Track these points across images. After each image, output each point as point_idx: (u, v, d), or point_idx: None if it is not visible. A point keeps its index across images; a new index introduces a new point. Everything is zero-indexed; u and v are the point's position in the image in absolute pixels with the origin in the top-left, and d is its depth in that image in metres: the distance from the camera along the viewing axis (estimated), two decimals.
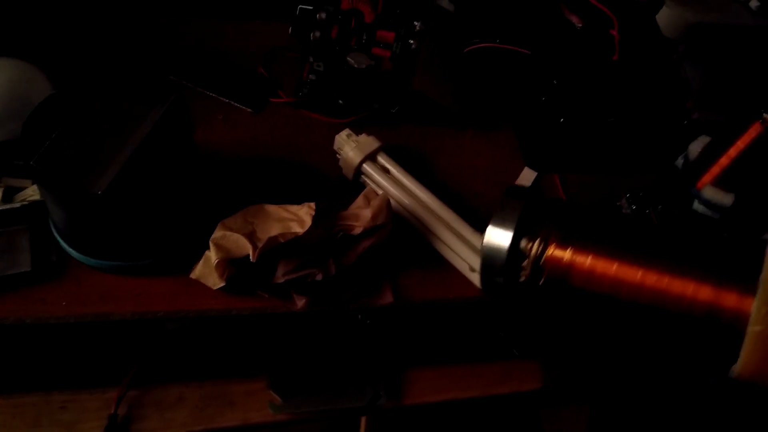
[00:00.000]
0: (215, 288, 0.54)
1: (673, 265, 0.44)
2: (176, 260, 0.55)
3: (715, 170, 0.61)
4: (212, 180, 0.62)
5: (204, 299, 0.55)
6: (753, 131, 0.57)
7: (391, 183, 0.64)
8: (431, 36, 0.74)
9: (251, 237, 0.52)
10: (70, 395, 0.62)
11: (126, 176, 0.48)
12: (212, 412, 0.64)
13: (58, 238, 0.55)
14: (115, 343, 0.65)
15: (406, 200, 0.63)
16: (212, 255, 0.52)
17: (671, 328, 0.50)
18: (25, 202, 0.55)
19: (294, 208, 0.56)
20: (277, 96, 0.73)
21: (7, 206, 0.55)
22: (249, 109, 0.71)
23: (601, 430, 0.95)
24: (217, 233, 0.53)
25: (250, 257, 0.51)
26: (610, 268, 0.45)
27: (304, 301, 0.56)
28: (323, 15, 0.72)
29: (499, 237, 0.47)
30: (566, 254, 0.46)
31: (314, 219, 0.54)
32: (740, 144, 0.58)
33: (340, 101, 0.71)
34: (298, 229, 0.53)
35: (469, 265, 0.60)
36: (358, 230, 0.56)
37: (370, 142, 0.65)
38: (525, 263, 0.47)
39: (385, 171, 0.65)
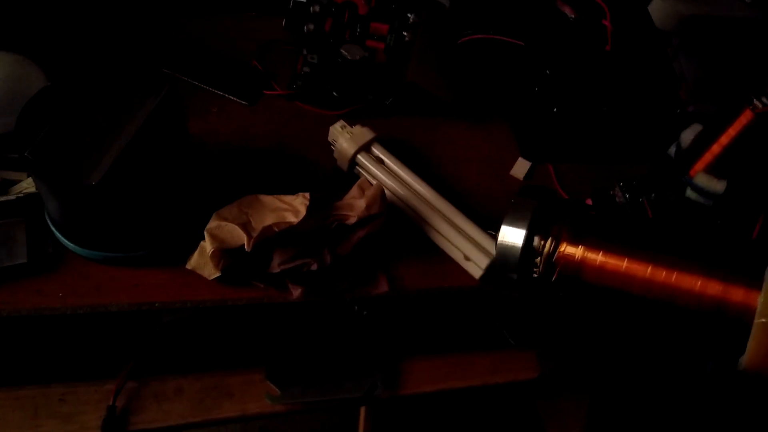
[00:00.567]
0: (211, 278, 0.55)
1: (682, 261, 0.46)
2: (172, 251, 0.56)
3: (707, 158, 0.61)
4: (207, 171, 0.62)
5: (200, 290, 0.56)
6: (744, 118, 0.57)
7: (386, 173, 0.64)
8: (425, 28, 0.74)
9: (246, 227, 0.52)
10: (68, 388, 0.63)
11: (120, 167, 0.48)
12: (210, 404, 0.65)
13: (54, 230, 0.55)
14: (112, 335, 0.65)
15: (400, 190, 0.63)
16: (207, 245, 0.53)
17: (680, 321, 0.52)
18: (20, 195, 0.56)
19: (289, 198, 0.56)
20: (272, 88, 0.73)
21: (3, 198, 0.55)
22: (243, 102, 0.71)
23: (600, 420, 0.95)
24: (212, 223, 0.53)
25: (245, 247, 0.52)
26: (621, 264, 0.47)
27: (299, 290, 0.56)
28: (317, 8, 0.72)
29: (512, 235, 0.48)
30: (578, 251, 0.48)
31: (309, 209, 0.54)
32: (731, 131, 0.58)
33: (335, 93, 0.71)
34: (293, 219, 0.53)
35: (463, 254, 0.61)
36: (352, 220, 0.57)
37: (364, 133, 0.66)
38: (538, 260, 0.49)
39: (380, 162, 0.66)
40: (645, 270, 0.46)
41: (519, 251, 0.48)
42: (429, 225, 0.62)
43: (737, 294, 0.43)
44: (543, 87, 0.70)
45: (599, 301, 0.53)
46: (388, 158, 0.66)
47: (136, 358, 0.64)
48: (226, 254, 0.54)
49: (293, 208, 0.54)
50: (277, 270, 0.54)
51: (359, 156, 0.65)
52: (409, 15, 0.73)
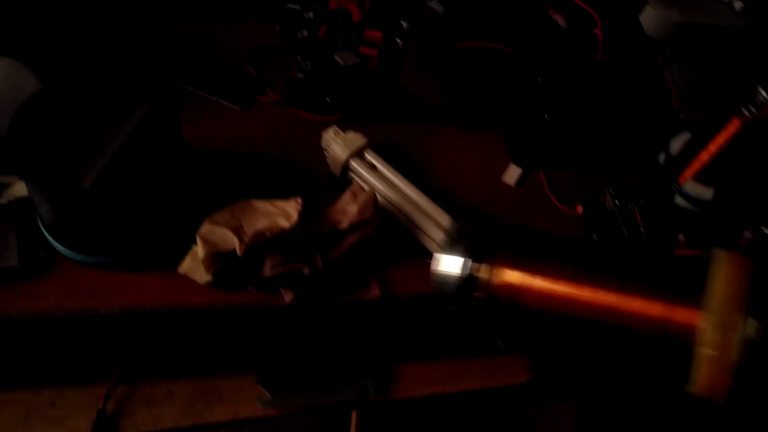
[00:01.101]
0: (203, 283, 0.55)
1: (624, 282, 0.44)
2: (164, 256, 0.56)
3: (695, 165, 0.62)
4: (200, 176, 0.62)
5: (191, 294, 0.56)
6: (732, 127, 0.58)
7: (378, 179, 0.65)
8: (419, 35, 0.75)
9: (238, 231, 0.53)
10: (58, 391, 0.62)
11: (112, 171, 0.48)
12: (201, 408, 0.65)
13: (46, 234, 0.55)
14: (103, 339, 0.65)
15: (392, 196, 0.64)
16: (199, 249, 0.53)
17: (624, 345, 0.50)
18: (12, 199, 0.56)
19: (281, 203, 0.56)
20: (265, 94, 0.73)
21: None
22: (237, 107, 0.72)
23: (590, 425, 0.95)
24: (204, 228, 0.53)
25: (237, 251, 0.52)
26: (560, 288, 0.44)
27: (291, 295, 0.56)
28: (311, 14, 0.72)
29: (448, 265, 0.46)
30: (515, 277, 0.45)
31: (301, 214, 0.54)
32: (719, 139, 0.59)
33: (328, 99, 0.72)
34: (285, 224, 0.53)
35: None
36: (344, 225, 0.57)
37: (357, 139, 0.66)
38: (477, 290, 0.46)
39: (372, 167, 0.66)
40: (586, 292, 0.44)
41: (456, 280, 0.45)
42: (421, 230, 0.63)
43: (681, 315, 0.41)
44: (535, 95, 0.71)
45: (541, 329, 0.51)
46: (380, 164, 0.66)
47: (127, 361, 0.64)
48: (218, 259, 0.54)
49: (285, 212, 0.55)
50: (269, 274, 0.54)
51: (352, 161, 0.65)
52: (402, 22, 0.74)
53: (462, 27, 0.79)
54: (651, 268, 0.48)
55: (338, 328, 0.71)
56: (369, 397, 0.68)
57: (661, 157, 0.67)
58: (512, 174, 0.73)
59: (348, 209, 0.58)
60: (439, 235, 0.62)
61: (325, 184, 0.67)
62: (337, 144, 0.66)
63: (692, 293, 0.42)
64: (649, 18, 0.80)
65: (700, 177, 0.62)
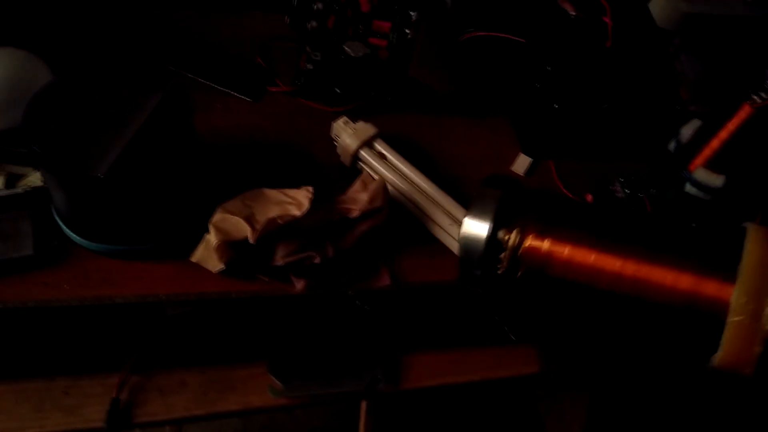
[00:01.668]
0: (215, 271, 0.55)
1: (654, 254, 0.43)
2: (177, 244, 0.56)
3: (706, 153, 0.62)
4: (212, 166, 0.63)
5: (204, 282, 0.56)
6: (742, 113, 0.58)
7: (388, 168, 0.65)
8: (427, 25, 0.75)
9: (250, 219, 0.53)
10: (72, 380, 0.63)
11: (127, 160, 0.48)
12: (213, 397, 0.65)
13: (60, 223, 0.55)
14: (117, 328, 0.66)
15: (402, 185, 0.64)
16: (212, 238, 0.53)
17: (651, 318, 0.50)
18: (27, 188, 0.56)
19: (292, 191, 0.56)
20: (275, 85, 0.73)
21: (10, 192, 0.56)
22: (247, 98, 0.72)
23: (600, 417, 0.96)
24: (217, 216, 0.54)
25: (249, 239, 0.52)
26: (589, 257, 0.44)
27: (302, 283, 0.56)
28: (320, 5, 0.72)
29: (476, 228, 0.46)
30: (544, 244, 0.45)
31: (312, 202, 0.55)
32: (730, 126, 0.59)
33: (337, 90, 0.72)
34: (296, 212, 0.54)
35: None
36: (355, 213, 0.57)
37: (367, 129, 0.66)
38: (503, 255, 0.46)
39: (382, 157, 0.66)
40: (614, 263, 0.43)
41: (483, 245, 0.45)
42: (430, 219, 0.63)
43: (710, 289, 0.41)
44: (544, 83, 0.70)
45: (566, 298, 0.50)
46: (390, 153, 0.66)
47: (141, 351, 0.65)
48: (230, 247, 0.54)
49: (297, 201, 0.55)
50: (280, 263, 0.55)
51: (362, 151, 0.66)
52: (411, 12, 0.74)
53: (471, 16, 0.79)
54: (680, 240, 0.48)
55: (348, 318, 0.71)
56: (379, 387, 0.68)
57: (672, 145, 0.67)
58: (521, 163, 0.73)
59: (359, 198, 0.58)
60: (448, 224, 0.62)
61: (336, 174, 0.67)
62: (347, 134, 0.66)
63: (722, 265, 0.42)
64: (658, 8, 0.80)
65: (711, 164, 0.62)
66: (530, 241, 0.46)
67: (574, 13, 0.73)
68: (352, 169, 0.67)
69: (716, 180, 0.62)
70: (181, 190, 0.56)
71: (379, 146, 0.67)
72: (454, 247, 0.62)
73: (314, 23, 0.72)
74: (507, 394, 1.26)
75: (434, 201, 0.63)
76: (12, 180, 0.58)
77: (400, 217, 0.64)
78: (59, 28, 0.70)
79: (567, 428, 1.04)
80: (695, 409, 0.90)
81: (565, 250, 0.45)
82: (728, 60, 0.82)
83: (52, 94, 0.52)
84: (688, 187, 0.65)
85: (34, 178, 0.58)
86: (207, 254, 0.55)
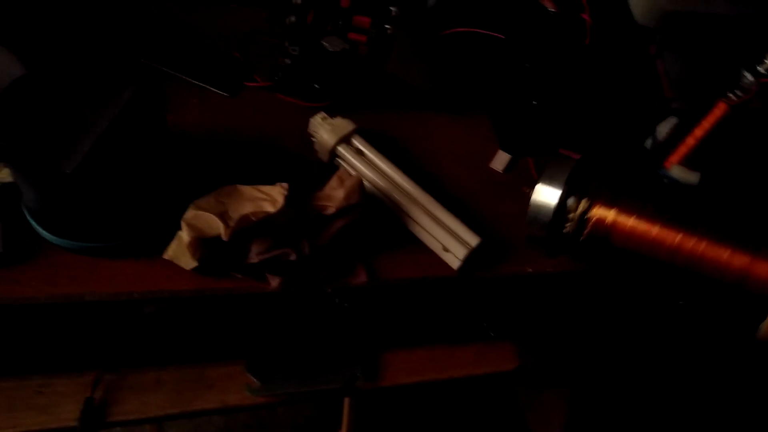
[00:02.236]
0: (188, 268, 0.55)
1: (712, 232, 0.47)
2: (149, 241, 0.55)
3: (682, 150, 0.62)
4: (186, 162, 0.62)
5: (178, 280, 0.56)
6: (718, 111, 0.58)
7: (366, 165, 0.64)
8: (407, 21, 0.74)
9: (223, 216, 0.52)
10: (45, 379, 0.62)
11: (96, 156, 0.48)
12: (190, 395, 0.65)
13: (31, 220, 0.54)
14: (90, 326, 0.65)
15: (380, 182, 0.64)
16: (184, 235, 0.53)
17: (701, 291, 0.53)
18: None
19: (266, 188, 0.56)
20: (253, 80, 0.73)
21: None
22: (224, 93, 0.71)
23: (581, 412, 0.96)
24: (189, 213, 0.53)
25: (223, 236, 0.52)
26: (651, 229, 0.48)
27: (278, 281, 0.56)
28: (299, 0, 0.72)
29: (547, 194, 0.49)
30: (611, 213, 0.49)
31: (287, 199, 0.54)
32: (706, 124, 0.59)
33: (316, 85, 0.71)
34: (271, 209, 0.53)
35: (442, 245, 0.61)
36: (331, 210, 0.57)
37: (344, 125, 0.66)
38: (570, 217, 0.50)
39: (360, 153, 0.66)
40: (675, 237, 0.47)
41: (552, 211, 0.49)
42: (408, 216, 0.63)
43: (763, 269, 0.44)
44: (523, 80, 0.70)
45: (624, 265, 0.54)
46: (368, 150, 0.66)
47: (116, 349, 0.64)
48: (203, 244, 0.53)
49: (271, 197, 0.55)
50: (255, 260, 0.54)
51: (339, 147, 0.65)
52: (391, 8, 0.73)
53: (451, 13, 0.79)
54: (736, 221, 0.52)
55: (326, 315, 0.71)
56: (358, 384, 0.68)
57: (648, 143, 0.67)
58: (500, 160, 0.73)
59: (335, 194, 0.57)
60: (427, 221, 0.62)
61: (313, 170, 0.67)
62: (325, 130, 0.65)
63: None
64: (638, 5, 0.80)
65: (687, 162, 0.63)
66: (598, 209, 0.50)
67: (553, 10, 0.73)
68: (330, 166, 0.67)
69: (692, 177, 0.63)
70: (153, 186, 0.56)
71: (357, 142, 0.66)
72: (432, 244, 0.62)
73: (293, 18, 0.71)
74: (488, 390, 1.27)
75: (412, 197, 0.63)
76: None
77: (378, 213, 0.63)
78: (30, 20, 0.69)
79: (548, 423, 1.04)
80: (676, 404, 0.91)
81: (629, 221, 0.49)
82: (709, 58, 0.82)
83: (23, 88, 0.51)
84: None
85: (4, 174, 0.57)
86: (180, 251, 0.54)
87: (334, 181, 0.59)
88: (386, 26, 0.73)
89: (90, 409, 0.61)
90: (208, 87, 0.71)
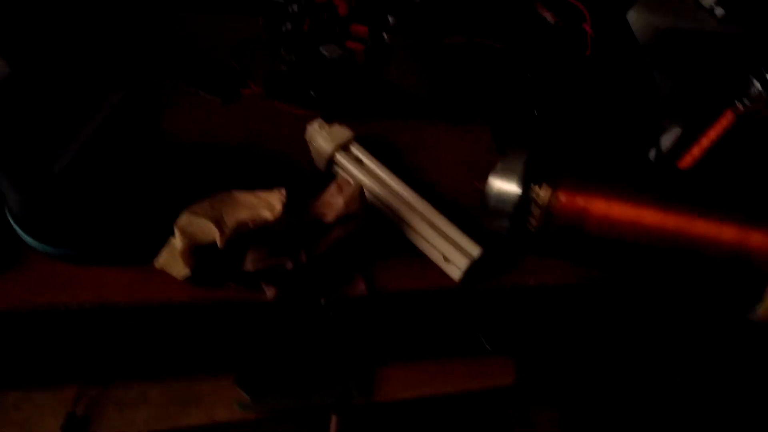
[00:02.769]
0: (180, 277, 0.52)
1: (696, 207, 0.42)
2: (139, 249, 0.53)
3: (687, 160, 0.61)
4: (179, 166, 0.60)
5: (168, 289, 0.53)
6: (725, 120, 0.57)
7: (364, 173, 0.63)
8: (406, 30, 0.74)
9: (219, 222, 0.50)
10: (24, 393, 0.59)
11: (84, 157, 0.46)
12: (176, 411, 0.62)
13: (15, 225, 0.52)
14: (73, 338, 0.62)
15: (379, 190, 0.62)
16: (177, 241, 0.50)
17: (691, 272, 0.47)
18: None
19: (264, 193, 0.54)
20: (248, 87, 0.71)
21: None
22: (219, 99, 0.70)
23: (572, 429, 0.95)
24: (183, 219, 0.51)
25: (218, 243, 0.50)
26: (627, 211, 0.43)
27: (273, 291, 0.54)
28: (295, 7, 0.71)
29: (503, 185, 0.44)
30: (578, 199, 0.44)
31: (285, 206, 0.52)
32: (712, 134, 0.58)
33: (312, 92, 0.70)
34: (268, 215, 0.51)
35: (443, 255, 0.59)
36: (330, 218, 0.55)
37: (342, 132, 0.64)
38: (534, 211, 0.45)
39: (358, 161, 0.64)
40: (654, 216, 0.42)
41: (515, 200, 0.43)
42: (408, 226, 0.61)
43: (756, 239, 0.40)
44: (523, 90, 0.70)
45: (600, 254, 0.48)
46: (366, 158, 0.64)
47: (99, 362, 0.61)
48: (197, 252, 0.51)
49: (269, 203, 0.53)
50: (250, 268, 0.52)
51: (337, 155, 0.64)
52: (389, 17, 0.73)
53: (450, 22, 0.79)
54: (721, 193, 0.46)
55: (320, 328, 0.69)
56: (352, 400, 0.66)
57: (652, 153, 0.66)
58: None
59: (334, 202, 0.56)
60: (426, 231, 0.60)
61: (310, 178, 0.65)
62: (322, 137, 0.64)
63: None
64: (634, 21, 0.80)
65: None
66: (563, 196, 0.44)
67: (553, 21, 0.73)
68: (327, 174, 0.65)
69: None
70: (143, 190, 0.54)
71: (355, 150, 0.65)
72: (433, 254, 0.60)
73: (289, 25, 0.70)
74: (479, 407, 1.25)
75: (412, 206, 0.62)
76: None
77: (377, 223, 0.62)
78: (19, 20, 0.67)
79: None
80: (669, 422, 0.90)
81: (600, 205, 0.43)
82: (700, 74, 0.82)
83: (8, 88, 0.49)
84: None
85: None
86: (172, 259, 0.52)
87: (333, 189, 0.58)
88: (384, 35, 0.72)
89: (72, 425, 0.58)
90: (203, 93, 0.70)
